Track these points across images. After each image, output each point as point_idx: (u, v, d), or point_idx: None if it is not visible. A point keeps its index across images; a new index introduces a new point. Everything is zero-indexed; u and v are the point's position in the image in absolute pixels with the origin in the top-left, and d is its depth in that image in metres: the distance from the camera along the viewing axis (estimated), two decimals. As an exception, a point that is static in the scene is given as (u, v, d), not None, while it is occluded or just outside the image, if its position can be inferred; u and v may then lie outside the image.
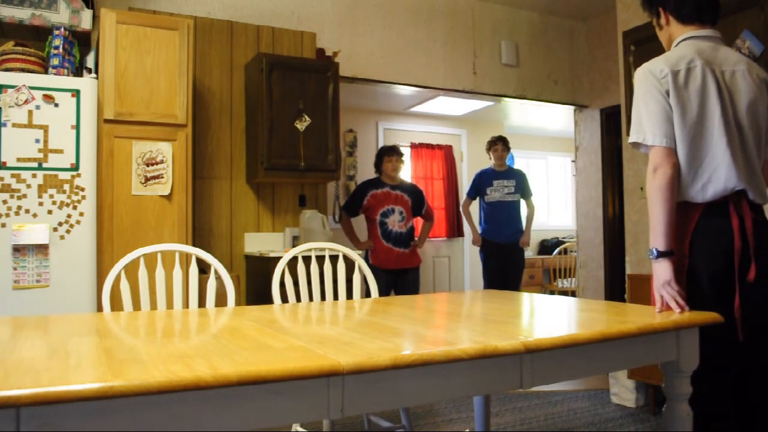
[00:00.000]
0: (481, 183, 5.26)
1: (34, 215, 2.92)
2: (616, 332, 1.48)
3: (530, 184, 5.33)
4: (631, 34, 3.46)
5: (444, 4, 4.84)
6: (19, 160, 2.90)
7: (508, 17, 5.13)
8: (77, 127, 3.02)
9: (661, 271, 1.75)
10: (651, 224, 1.77)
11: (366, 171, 6.68)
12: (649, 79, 1.81)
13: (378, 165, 4.55)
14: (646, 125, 1.80)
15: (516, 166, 8.98)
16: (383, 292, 4.16)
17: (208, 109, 3.94)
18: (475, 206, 5.45)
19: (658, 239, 1.75)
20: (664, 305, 1.76)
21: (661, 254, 1.75)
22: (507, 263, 5.16)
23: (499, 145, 5.23)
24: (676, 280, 1.74)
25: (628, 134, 3.50)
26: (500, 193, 5.16)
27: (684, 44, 1.88)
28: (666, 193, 1.74)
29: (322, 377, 1.11)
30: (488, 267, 5.19)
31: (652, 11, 2.00)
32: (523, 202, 5.33)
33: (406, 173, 7.10)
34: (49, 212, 2.94)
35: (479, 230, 5.29)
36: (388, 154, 4.48)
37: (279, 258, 2.53)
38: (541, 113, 6.72)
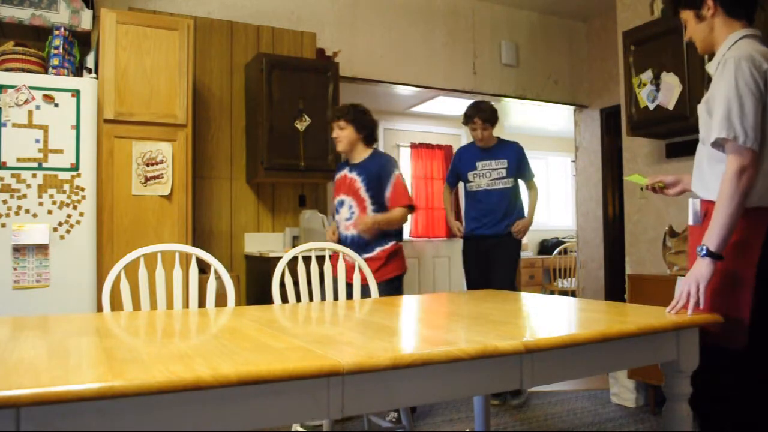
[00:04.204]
0: (461, 165, 3.79)
1: (34, 215, 2.91)
2: (616, 332, 1.48)
3: (529, 161, 3.84)
4: (631, 34, 3.46)
5: (444, 4, 4.84)
6: (19, 160, 2.90)
7: (508, 17, 5.13)
8: (77, 127, 3.02)
9: (705, 270, 1.67)
10: (716, 224, 1.67)
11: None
12: (752, 71, 1.65)
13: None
14: (737, 122, 1.64)
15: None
16: None
17: (208, 109, 3.94)
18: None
19: (716, 240, 1.66)
20: (681, 304, 1.70)
21: (710, 254, 1.67)
22: (489, 257, 3.72)
23: (478, 120, 3.62)
24: (709, 284, 1.68)
25: (628, 134, 3.54)
26: (486, 179, 3.69)
27: (749, 42, 1.76)
28: (743, 199, 1.65)
29: (322, 377, 1.11)
30: (467, 266, 3.82)
31: (695, 1, 1.84)
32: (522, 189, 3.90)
33: (405, 173, 7.06)
34: (49, 212, 2.94)
35: (463, 228, 3.89)
36: (329, 120, 3.23)
37: (279, 258, 2.53)
38: (541, 113, 6.72)
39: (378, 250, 3.05)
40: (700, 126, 1.85)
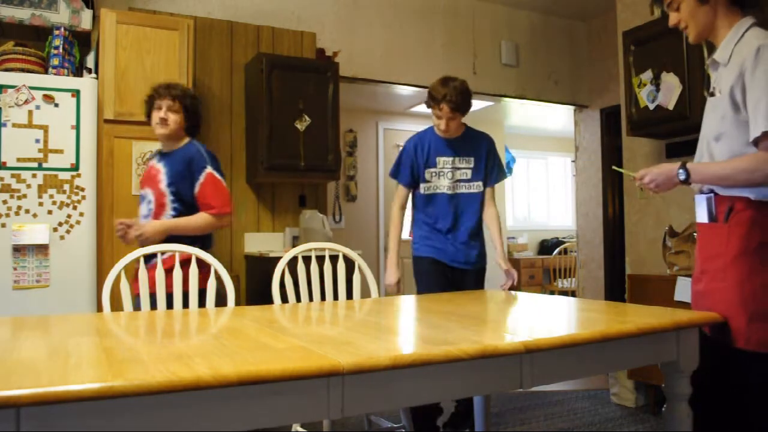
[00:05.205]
0: (418, 159, 2.83)
1: (34, 215, 2.91)
2: (616, 332, 1.48)
3: (501, 159, 3.01)
4: (631, 34, 3.46)
5: (444, 4, 4.84)
6: (19, 160, 2.90)
7: (508, 17, 5.13)
8: (77, 127, 3.02)
9: (670, 183, 1.77)
10: (716, 173, 1.68)
11: (366, 171, 6.69)
12: None
13: (149, 110, 2.64)
14: None
15: (514, 165, 8.55)
16: None
17: (208, 109, 3.94)
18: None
19: (701, 178, 1.71)
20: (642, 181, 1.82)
21: (686, 180, 1.72)
22: (459, 288, 2.82)
23: (445, 107, 2.69)
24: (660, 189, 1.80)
25: (628, 134, 3.54)
26: (447, 180, 2.81)
27: (762, 30, 1.70)
28: (750, 185, 1.64)
29: (322, 377, 1.11)
30: (428, 288, 2.81)
31: None
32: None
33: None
34: (49, 212, 2.94)
35: (412, 246, 2.92)
36: (160, 96, 2.58)
37: (279, 258, 2.53)
38: (541, 113, 6.72)
39: (168, 256, 2.34)
40: (717, 119, 1.73)
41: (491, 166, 2.87)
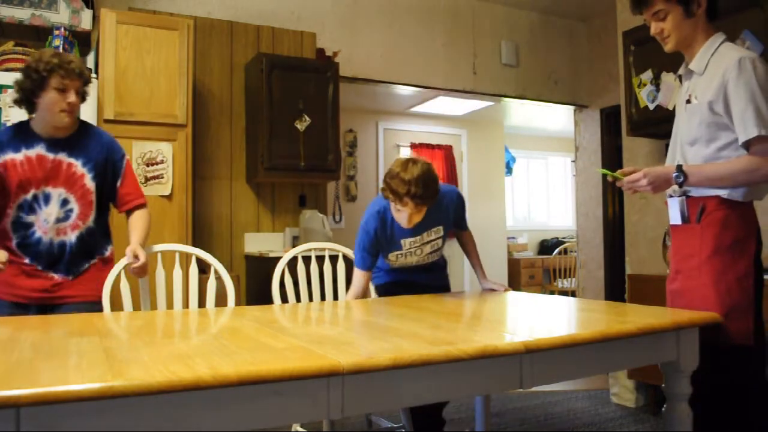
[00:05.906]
0: (381, 245, 2.41)
1: (34, 215, 2.91)
2: (616, 332, 1.48)
3: (466, 208, 2.62)
4: (631, 34, 3.46)
5: (444, 4, 4.84)
6: (19, 160, 2.90)
7: (508, 17, 5.13)
8: (77, 127, 3.01)
9: (666, 185, 1.79)
10: (712, 175, 1.72)
11: (366, 171, 6.69)
12: (765, 71, 1.70)
13: (37, 87, 2.03)
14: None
15: (514, 165, 8.45)
16: None
17: (208, 109, 3.94)
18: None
19: (698, 180, 1.73)
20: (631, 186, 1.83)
21: (683, 184, 1.74)
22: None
23: (410, 202, 2.20)
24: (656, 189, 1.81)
25: (628, 134, 3.54)
26: (416, 257, 2.47)
27: (733, 45, 1.80)
28: (746, 185, 1.70)
29: (322, 377, 1.11)
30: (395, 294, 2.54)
31: None
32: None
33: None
34: (49, 212, 2.94)
35: (372, 277, 2.54)
36: (69, 76, 2.03)
37: (279, 258, 2.53)
38: (541, 113, 6.72)
39: (97, 259, 2.20)
40: (694, 125, 1.81)
41: (460, 219, 2.55)
